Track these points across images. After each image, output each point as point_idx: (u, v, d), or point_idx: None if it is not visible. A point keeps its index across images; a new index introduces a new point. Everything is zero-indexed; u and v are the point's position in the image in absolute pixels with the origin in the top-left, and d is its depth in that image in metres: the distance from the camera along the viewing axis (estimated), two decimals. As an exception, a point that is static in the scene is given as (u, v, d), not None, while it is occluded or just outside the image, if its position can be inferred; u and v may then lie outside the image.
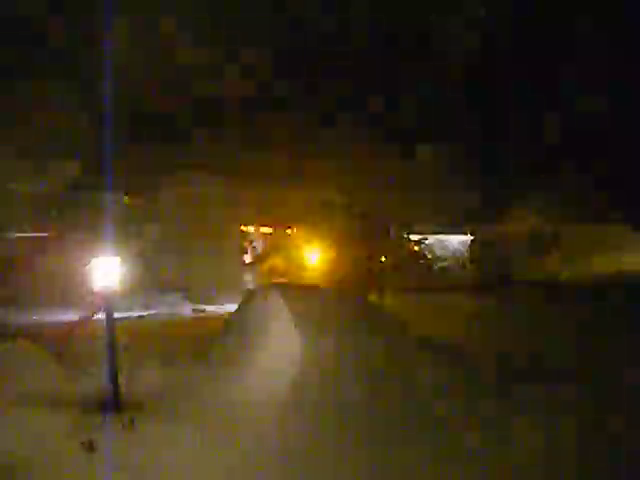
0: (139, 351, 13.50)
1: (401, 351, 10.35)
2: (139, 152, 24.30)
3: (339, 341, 10.32)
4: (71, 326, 14.20)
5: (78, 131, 22.88)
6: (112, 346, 10.12)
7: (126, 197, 25.38)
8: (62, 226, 23.54)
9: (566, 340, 10.74)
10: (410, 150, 29.91)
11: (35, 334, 15.71)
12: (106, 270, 10.07)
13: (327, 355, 9.92)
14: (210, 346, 13.33)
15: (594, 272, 22.43)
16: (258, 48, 26.70)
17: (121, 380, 10.09)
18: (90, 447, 8.20)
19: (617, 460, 6.79)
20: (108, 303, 10.30)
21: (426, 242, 29.38)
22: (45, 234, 23.73)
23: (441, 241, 30.28)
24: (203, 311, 22.54)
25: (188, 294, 24.14)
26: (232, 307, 19.23)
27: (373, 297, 17.42)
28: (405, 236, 28.73)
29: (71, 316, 17.98)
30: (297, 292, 13.33)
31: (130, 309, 20.92)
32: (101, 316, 10.83)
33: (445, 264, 29.58)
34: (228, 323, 14.01)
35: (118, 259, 10.25)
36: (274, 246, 24.91)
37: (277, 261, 24.01)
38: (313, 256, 23.64)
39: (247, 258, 25.88)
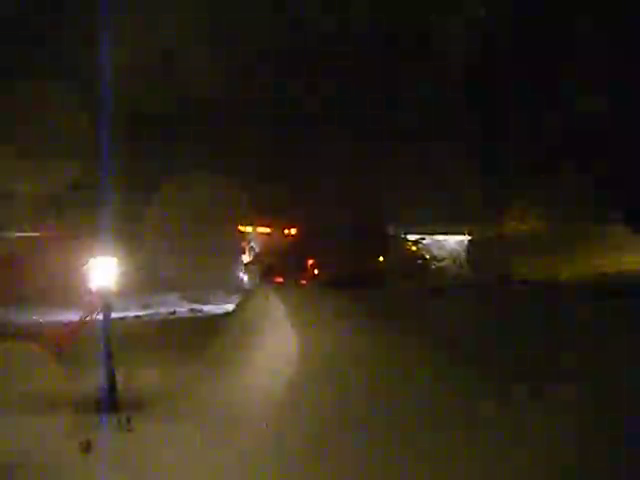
0: (136, 351, 13.47)
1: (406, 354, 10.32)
2: (139, 152, 24.33)
3: (335, 342, 10.30)
4: (71, 326, 14.15)
5: (78, 131, 22.84)
6: (107, 346, 10.10)
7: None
8: (61, 226, 23.52)
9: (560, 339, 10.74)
10: (409, 149, 29.91)
11: (36, 334, 15.74)
12: (104, 270, 10.05)
13: (323, 356, 9.88)
14: (207, 345, 13.33)
15: (594, 272, 22.39)
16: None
17: (118, 379, 10.07)
18: (87, 447, 8.17)
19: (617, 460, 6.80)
20: (105, 303, 10.28)
21: (424, 242, 29.39)
22: (44, 234, 23.69)
23: (438, 241, 30.27)
24: (201, 311, 22.51)
25: (186, 294, 24.11)
26: (230, 307, 19.31)
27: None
28: (403, 236, 28.75)
29: (70, 316, 17.97)
30: (294, 292, 13.34)
31: (128, 309, 20.90)
32: (99, 316, 10.81)
33: (442, 264, 29.56)
34: (225, 323, 14.02)
35: (116, 259, 10.24)
36: (272, 246, 24.88)
37: (275, 261, 23.97)
38: (310, 256, 23.63)
39: (245, 258, 25.87)
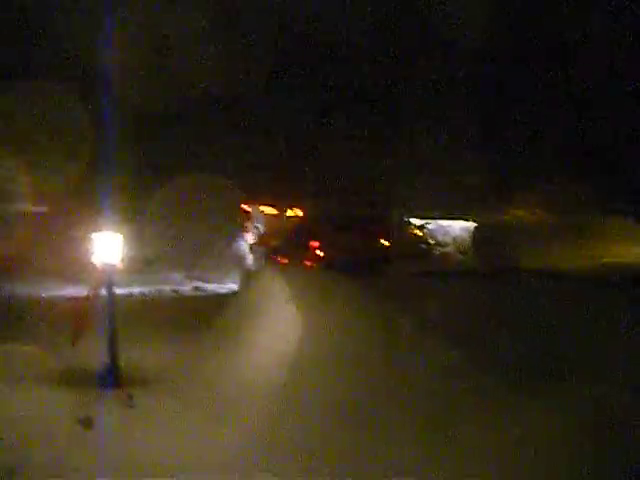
0: (139, 327, 13.50)
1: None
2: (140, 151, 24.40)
3: (339, 325, 10.30)
4: (83, 301, 14.15)
5: (78, 131, 22.80)
6: (112, 322, 10.12)
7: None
8: (65, 201, 23.50)
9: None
10: (416, 134, 29.87)
11: (48, 308, 15.84)
12: (108, 246, 10.05)
13: (327, 337, 9.89)
14: (211, 324, 13.35)
15: (598, 262, 22.43)
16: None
17: (120, 356, 10.10)
18: (88, 423, 8.21)
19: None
20: (109, 279, 10.29)
21: (428, 227, 29.33)
22: (48, 208, 23.70)
23: (443, 227, 30.21)
24: (204, 290, 22.54)
25: (190, 272, 24.12)
26: (234, 286, 19.36)
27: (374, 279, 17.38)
28: (407, 220, 28.69)
29: (78, 291, 18.03)
30: (298, 273, 13.33)
31: (131, 286, 20.93)
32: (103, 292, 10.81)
33: (447, 250, 29.51)
34: (229, 302, 14.03)
35: (121, 235, 10.23)
36: (277, 227, 24.84)
37: (280, 242, 23.94)
38: (315, 238, 23.58)
39: (250, 239, 25.83)
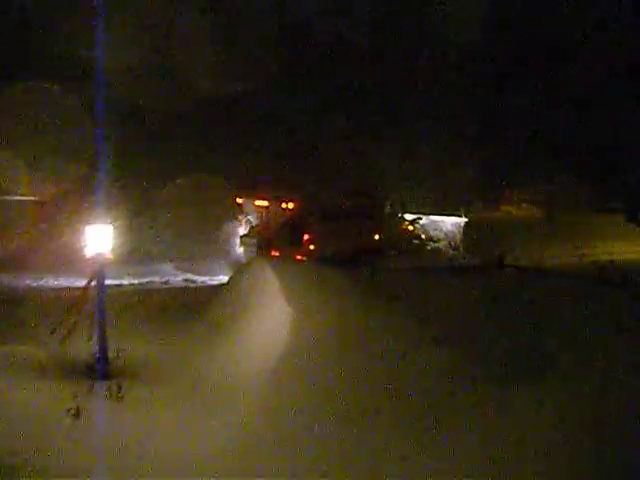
0: (129, 319, 13.52)
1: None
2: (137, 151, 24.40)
3: (329, 318, 10.34)
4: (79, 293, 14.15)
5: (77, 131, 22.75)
6: (102, 313, 10.14)
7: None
8: (59, 191, 23.49)
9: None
10: (408, 129, 29.93)
11: (40, 300, 15.83)
12: (99, 237, 10.06)
13: (316, 330, 9.93)
14: (201, 316, 13.38)
15: (587, 260, 22.48)
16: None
17: (110, 347, 10.12)
18: (76, 413, 8.23)
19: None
20: (100, 270, 10.31)
21: (420, 222, 29.37)
22: (41, 199, 23.67)
23: (435, 222, 30.26)
24: (195, 281, 22.54)
25: (180, 264, 24.12)
26: (224, 278, 19.36)
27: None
28: (399, 215, 28.71)
29: (71, 282, 18.06)
30: (289, 266, 13.36)
31: (122, 277, 20.94)
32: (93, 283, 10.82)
33: (438, 245, 29.57)
34: (219, 294, 14.06)
35: (111, 227, 10.25)
36: (269, 220, 24.82)
37: (271, 235, 23.93)
38: (307, 231, 23.59)
39: (241, 231, 25.82)
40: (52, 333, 11.41)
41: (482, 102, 29.69)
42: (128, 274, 21.63)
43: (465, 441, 7.40)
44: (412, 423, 7.88)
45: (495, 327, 10.69)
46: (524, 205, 33.05)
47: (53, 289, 19.31)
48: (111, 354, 10.08)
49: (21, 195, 23.08)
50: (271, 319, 10.67)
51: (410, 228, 28.72)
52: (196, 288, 20.89)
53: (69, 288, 17.30)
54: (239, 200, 25.72)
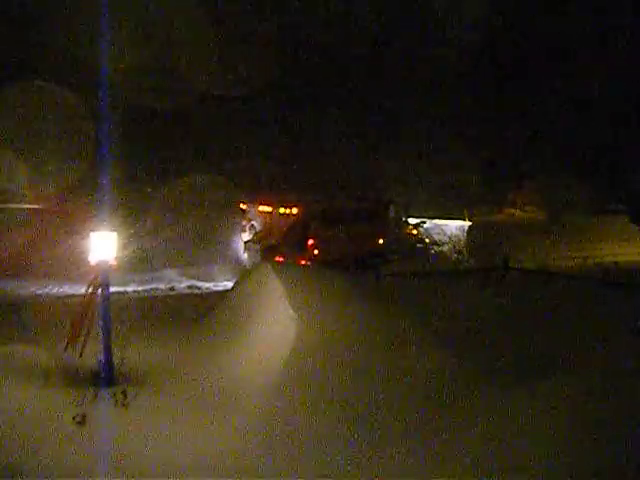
0: (134, 325, 13.53)
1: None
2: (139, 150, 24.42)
3: (333, 324, 10.34)
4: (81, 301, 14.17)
5: (77, 130, 22.79)
6: (106, 320, 10.14)
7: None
8: (62, 198, 23.52)
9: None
10: (412, 132, 29.94)
11: (43, 307, 15.84)
12: (103, 244, 10.07)
13: (320, 336, 9.93)
14: (205, 322, 13.38)
15: (591, 262, 22.48)
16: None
17: (115, 354, 10.12)
18: (82, 420, 8.23)
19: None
20: (104, 277, 10.31)
21: (424, 226, 29.37)
22: (44, 206, 23.70)
23: (439, 225, 30.27)
24: (199, 287, 22.56)
25: (185, 270, 24.14)
26: (228, 284, 19.37)
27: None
28: (403, 219, 28.72)
29: (75, 289, 18.08)
30: (293, 272, 13.35)
31: (126, 284, 20.97)
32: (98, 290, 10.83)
33: (442, 249, 29.57)
34: (224, 300, 14.05)
35: (115, 234, 10.25)
36: (273, 225, 24.86)
37: (275, 240, 23.97)
38: (310, 236, 23.61)
39: (245, 236, 25.86)
40: (65, 349, 11.38)
41: (484, 103, 29.65)
42: (133, 281, 21.67)
43: (467, 442, 7.41)
44: (416, 426, 7.89)
45: (499, 329, 10.69)
46: (528, 207, 33.05)
47: (58, 296, 19.36)
48: (116, 361, 10.08)
49: (24, 202, 23.09)
50: (275, 324, 10.66)
51: (414, 232, 28.74)
52: (201, 294, 20.90)
53: (73, 295, 17.33)
54: (243, 206, 25.79)
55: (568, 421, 7.18)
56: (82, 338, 11.05)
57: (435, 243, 29.70)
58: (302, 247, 23.15)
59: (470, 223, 30.27)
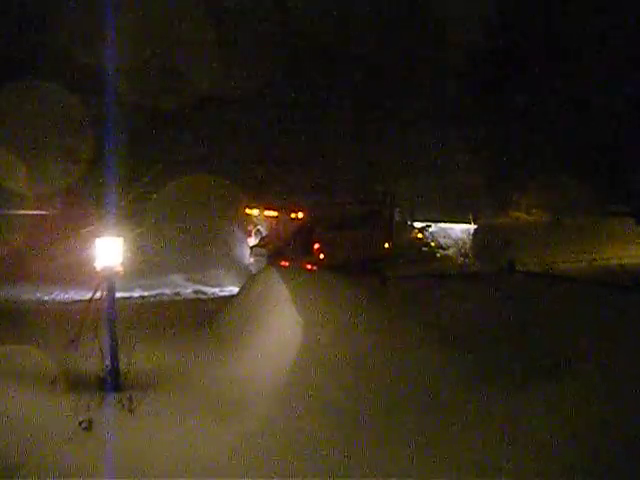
0: (140, 331, 13.54)
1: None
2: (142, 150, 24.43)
3: (338, 330, 10.35)
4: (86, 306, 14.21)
5: (79, 132, 22.83)
6: (112, 325, 10.16)
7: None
8: (66, 204, 23.56)
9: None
10: (417, 136, 29.95)
11: (50, 312, 15.87)
12: (109, 250, 10.09)
13: (327, 342, 9.93)
14: (211, 328, 13.40)
15: (598, 264, 22.49)
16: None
17: (121, 359, 10.13)
18: (89, 426, 8.26)
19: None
20: (110, 283, 10.33)
21: (430, 229, 29.40)
22: (49, 212, 23.76)
23: (444, 229, 30.29)
24: (205, 293, 22.57)
25: (190, 275, 24.15)
26: (234, 289, 19.38)
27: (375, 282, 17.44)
28: (409, 223, 28.75)
29: (80, 295, 18.13)
30: (299, 276, 13.36)
31: (132, 290, 21.00)
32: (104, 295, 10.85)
33: (448, 252, 29.57)
34: (230, 305, 14.08)
35: (121, 239, 10.27)
36: (278, 230, 24.88)
37: (281, 244, 23.98)
38: (316, 240, 23.62)
39: (251, 241, 25.89)
40: (74, 348, 11.40)
41: (484, 104, 29.65)
42: (138, 286, 21.69)
43: (471, 443, 7.41)
44: (420, 429, 7.89)
45: (504, 332, 10.68)
46: (533, 210, 33.02)
47: (64, 302, 19.39)
48: (122, 366, 10.09)
49: (29, 208, 23.14)
50: (281, 329, 10.67)
51: (419, 236, 28.77)
52: (207, 299, 20.91)
53: (80, 301, 17.37)
54: (249, 210, 25.82)
55: (572, 423, 7.18)
56: (79, 341, 11.10)
57: (440, 246, 29.71)
58: (308, 251, 23.18)
59: (475, 226, 30.26)
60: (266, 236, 25.35)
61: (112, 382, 9.82)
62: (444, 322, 11.53)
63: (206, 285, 23.34)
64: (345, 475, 7.14)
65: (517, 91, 28.78)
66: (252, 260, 25.03)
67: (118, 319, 10.35)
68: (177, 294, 22.10)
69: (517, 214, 33.26)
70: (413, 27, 30.11)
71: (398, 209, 26.97)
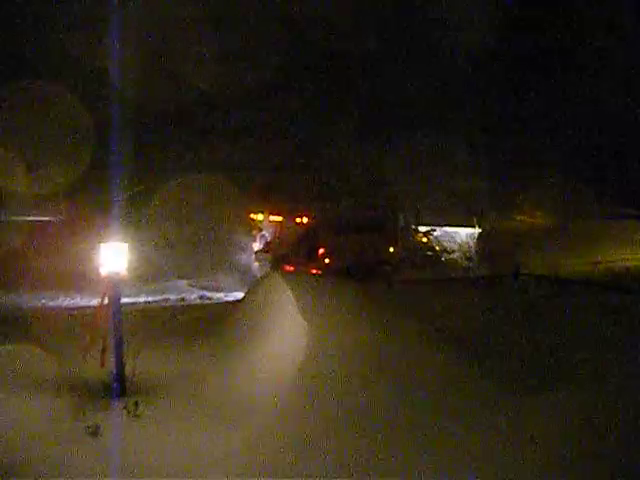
0: (146, 336, 13.53)
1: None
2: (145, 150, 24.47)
3: (344, 335, 10.33)
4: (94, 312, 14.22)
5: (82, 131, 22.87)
6: (118, 331, 10.17)
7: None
8: (71, 210, 23.60)
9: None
10: (421, 140, 29.91)
11: (56, 318, 15.89)
12: (114, 255, 10.11)
13: (332, 347, 9.92)
14: (216, 333, 13.40)
15: (604, 267, 22.45)
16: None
17: (127, 365, 10.14)
18: (95, 431, 8.27)
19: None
20: (115, 288, 10.34)
21: (434, 234, 29.34)
22: (53, 218, 23.79)
23: (449, 233, 30.22)
24: (210, 298, 22.56)
25: (195, 281, 24.15)
26: (239, 295, 19.38)
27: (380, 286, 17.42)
28: (413, 227, 28.68)
29: (86, 301, 18.15)
30: (304, 281, 13.36)
31: (137, 295, 21.00)
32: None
33: (453, 256, 29.52)
34: (235, 310, 14.07)
35: (126, 245, 10.29)
36: (283, 235, 24.87)
37: (285, 249, 23.98)
38: (321, 245, 23.61)
39: (256, 246, 25.89)
40: (84, 357, 11.40)
41: (491, 108, 29.62)
42: (143, 292, 21.70)
43: (473, 445, 7.41)
44: (422, 432, 7.88)
45: (509, 336, 10.66)
46: (538, 213, 32.94)
47: (69, 308, 19.40)
48: (127, 372, 10.10)
49: (34, 215, 23.18)
50: (286, 334, 10.67)
51: (424, 240, 28.70)
52: (212, 305, 20.90)
53: (85, 307, 17.39)
54: (253, 215, 25.81)
55: (580, 429, 7.17)
56: (94, 346, 11.10)
57: (445, 250, 29.65)
58: (313, 256, 23.15)
59: (480, 230, 30.20)
60: (271, 241, 25.34)
61: (118, 387, 9.84)
62: (450, 326, 11.51)
63: (211, 290, 23.33)
64: (345, 475, 7.15)
65: (523, 94, 28.74)
66: (257, 265, 25.03)
67: (123, 325, 10.36)
68: (182, 300, 22.10)
69: (521, 217, 33.19)
70: (417, 29, 30.09)
71: (403, 213, 26.91)
